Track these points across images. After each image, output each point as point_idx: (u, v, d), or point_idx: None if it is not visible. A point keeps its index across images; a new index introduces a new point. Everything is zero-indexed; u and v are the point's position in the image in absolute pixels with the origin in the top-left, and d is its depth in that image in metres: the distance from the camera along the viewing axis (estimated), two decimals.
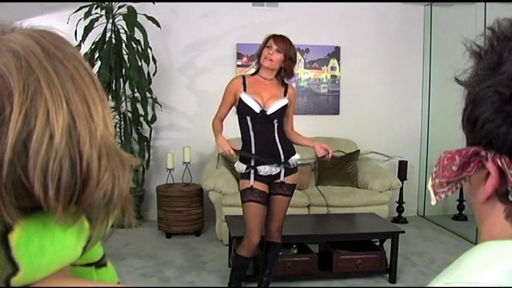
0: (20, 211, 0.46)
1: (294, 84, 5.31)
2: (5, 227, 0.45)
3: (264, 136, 2.87)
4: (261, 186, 2.89)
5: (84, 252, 0.52)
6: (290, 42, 2.88)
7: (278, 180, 2.94)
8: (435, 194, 0.54)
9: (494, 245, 0.48)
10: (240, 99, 2.86)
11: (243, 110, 2.88)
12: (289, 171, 2.94)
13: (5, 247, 0.45)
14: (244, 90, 2.87)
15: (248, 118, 2.87)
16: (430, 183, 0.54)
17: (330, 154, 2.89)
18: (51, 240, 0.48)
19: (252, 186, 2.87)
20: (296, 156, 2.96)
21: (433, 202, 0.54)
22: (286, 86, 2.96)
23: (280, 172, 2.92)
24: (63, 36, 0.52)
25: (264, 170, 2.87)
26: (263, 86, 2.89)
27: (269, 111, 2.85)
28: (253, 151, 2.87)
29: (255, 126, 2.87)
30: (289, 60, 2.85)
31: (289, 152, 2.94)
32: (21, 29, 0.50)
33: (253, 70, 3.03)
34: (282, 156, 2.89)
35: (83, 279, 0.58)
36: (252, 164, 2.88)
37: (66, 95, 0.46)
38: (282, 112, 2.89)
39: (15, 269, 0.45)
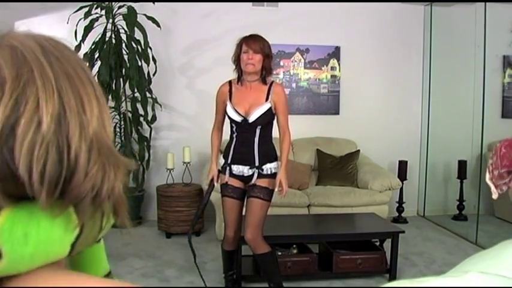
0: (6, 197, 0.46)
1: (293, 84, 5.33)
2: None
3: (245, 139, 2.97)
4: (235, 183, 3.02)
5: (74, 250, 0.51)
6: (262, 39, 2.90)
7: (251, 183, 2.99)
8: (496, 186, 0.52)
9: None
10: (225, 108, 3.00)
11: (228, 118, 3.02)
12: (263, 176, 2.97)
13: None
14: (230, 98, 2.97)
15: (233, 124, 3.00)
16: (487, 176, 0.52)
17: (283, 192, 2.95)
18: (36, 230, 0.47)
19: (226, 182, 3.02)
20: (273, 165, 2.99)
21: (495, 196, 0.53)
22: (270, 86, 2.95)
23: (252, 175, 2.96)
24: (67, 44, 0.54)
25: (238, 169, 2.99)
26: (247, 92, 2.95)
27: (251, 119, 2.91)
28: (231, 152, 3.01)
29: (239, 131, 2.99)
30: (267, 58, 2.89)
31: (266, 158, 2.97)
32: (27, 31, 0.52)
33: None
34: (257, 161, 2.95)
35: (78, 273, 0.57)
36: (229, 161, 3.01)
37: (59, 88, 0.47)
38: (265, 117, 2.93)
39: None
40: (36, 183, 0.45)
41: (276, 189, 2.97)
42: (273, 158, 3.01)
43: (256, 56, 2.85)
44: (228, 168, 3.02)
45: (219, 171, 3.10)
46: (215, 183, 3.10)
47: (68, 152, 0.46)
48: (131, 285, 0.54)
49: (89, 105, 0.49)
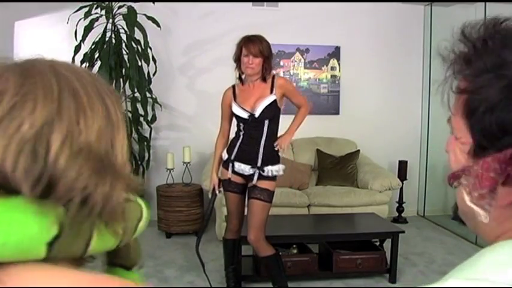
0: None
1: (293, 84, 5.33)
2: None
3: (252, 137, 2.96)
4: (237, 179, 3.05)
5: (52, 251, 0.52)
6: (260, 40, 2.90)
7: (251, 184, 2.99)
8: (481, 208, 0.50)
9: None
10: (231, 110, 3.01)
11: (235, 118, 3.03)
12: (263, 177, 2.96)
13: None
14: (235, 99, 2.99)
15: (241, 123, 3.00)
16: (467, 199, 0.51)
17: (281, 148, 2.98)
18: (9, 221, 0.50)
19: (229, 178, 3.05)
20: (275, 168, 2.97)
21: (486, 220, 0.51)
22: (273, 80, 2.97)
23: (253, 175, 2.96)
24: (100, 78, 0.62)
25: (239, 167, 3.00)
26: (250, 90, 2.98)
27: (257, 114, 2.92)
28: (235, 149, 3.01)
29: (246, 128, 2.98)
30: (267, 59, 2.92)
31: (269, 160, 2.96)
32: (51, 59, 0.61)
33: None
34: (259, 161, 2.94)
35: (63, 268, 0.55)
36: (232, 157, 3.01)
37: (61, 99, 0.54)
38: (270, 110, 2.93)
39: None
40: (19, 175, 0.50)
41: (274, 144, 2.96)
42: (276, 160, 3.00)
43: (256, 59, 2.87)
44: (230, 164, 3.03)
45: (220, 179, 3.12)
46: (217, 192, 3.13)
47: (47, 152, 0.52)
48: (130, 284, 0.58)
49: (91, 119, 0.56)
